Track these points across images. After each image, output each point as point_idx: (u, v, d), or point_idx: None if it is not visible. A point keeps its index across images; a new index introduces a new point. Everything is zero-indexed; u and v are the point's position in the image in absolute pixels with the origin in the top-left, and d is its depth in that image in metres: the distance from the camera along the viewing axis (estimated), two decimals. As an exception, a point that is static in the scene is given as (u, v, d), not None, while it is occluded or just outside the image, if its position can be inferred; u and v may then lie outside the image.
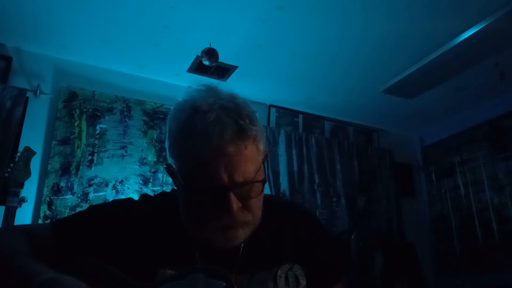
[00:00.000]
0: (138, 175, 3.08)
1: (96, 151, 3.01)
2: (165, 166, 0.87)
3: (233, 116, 0.77)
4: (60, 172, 2.86)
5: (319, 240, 0.95)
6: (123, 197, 1.02)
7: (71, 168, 2.89)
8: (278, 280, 0.85)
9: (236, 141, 0.75)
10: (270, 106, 3.75)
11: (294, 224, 0.94)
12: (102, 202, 0.99)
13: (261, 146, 0.81)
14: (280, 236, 0.91)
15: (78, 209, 2.72)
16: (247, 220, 0.80)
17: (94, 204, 0.95)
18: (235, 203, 0.76)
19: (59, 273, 0.70)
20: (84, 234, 0.85)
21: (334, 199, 3.67)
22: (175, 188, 0.89)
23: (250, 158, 0.78)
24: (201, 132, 0.75)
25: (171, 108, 0.85)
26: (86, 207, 0.94)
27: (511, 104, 3.43)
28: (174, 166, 0.82)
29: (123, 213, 0.88)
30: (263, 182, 0.80)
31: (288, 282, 0.86)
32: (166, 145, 0.84)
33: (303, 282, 0.88)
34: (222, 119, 0.76)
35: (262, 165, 0.82)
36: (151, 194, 0.99)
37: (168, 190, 0.99)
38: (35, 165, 2.60)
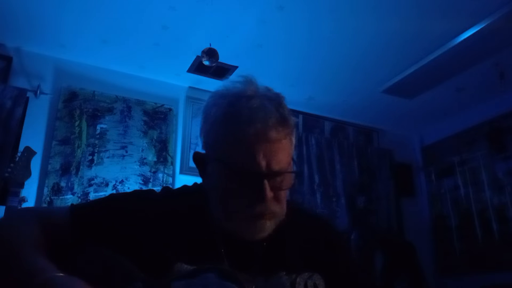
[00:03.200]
0: (138, 175, 3.08)
1: (96, 151, 3.01)
2: (193, 154, 0.88)
3: (275, 104, 0.80)
4: (60, 172, 2.86)
5: (342, 255, 0.95)
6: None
7: (71, 168, 2.89)
8: (297, 287, 0.84)
9: (279, 128, 0.78)
10: (270, 106, 3.75)
11: (318, 235, 0.94)
12: (123, 192, 0.98)
13: (294, 140, 0.84)
14: (303, 243, 0.90)
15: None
16: (276, 211, 0.81)
17: (115, 193, 0.94)
18: (269, 192, 0.78)
19: (59, 273, 0.70)
20: (102, 223, 0.84)
21: (334, 199, 3.67)
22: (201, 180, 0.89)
23: (286, 149, 0.80)
24: (246, 116, 0.77)
25: (208, 97, 0.86)
26: (106, 195, 0.93)
27: (511, 104, 3.43)
28: (209, 153, 0.83)
29: (143, 205, 0.87)
30: (296, 174, 0.84)
31: None
32: (201, 133, 0.85)
33: None
34: (266, 105, 0.79)
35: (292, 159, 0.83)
36: None
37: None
38: (35, 165, 2.61)
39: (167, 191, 0.94)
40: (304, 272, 0.86)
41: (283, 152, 0.79)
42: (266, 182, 0.77)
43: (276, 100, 0.81)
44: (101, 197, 0.92)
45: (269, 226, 0.81)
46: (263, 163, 0.77)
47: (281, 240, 0.86)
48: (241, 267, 0.81)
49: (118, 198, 0.91)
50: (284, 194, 0.83)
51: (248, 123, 0.76)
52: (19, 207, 2.18)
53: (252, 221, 0.79)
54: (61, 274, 0.69)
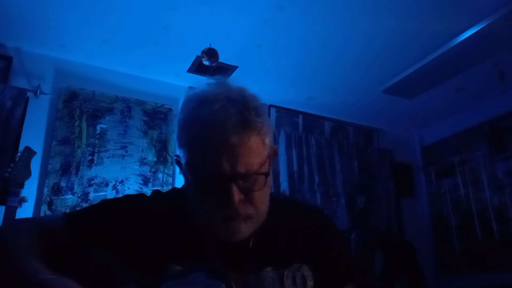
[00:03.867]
0: (138, 175, 3.08)
1: (96, 151, 3.01)
2: (174, 157, 0.89)
3: (239, 107, 0.78)
4: (60, 172, 2.86)
5: (333, 242, 0.95)
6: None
7: (71, 168, 2.89)
8: (285, 280, 0.85)
9: (240, 131, 0.76)
10: (270, 106, 3.76)
11: (307, 225, 0.94)
12: (114, 197, 1.00)
13: (267, 140, 0.81)
14: (292, 236, 0.91)
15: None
16: (249, 213, 0.80)
17: (106, 198, 0.95)
18: (237, 195, 0.77)
19: (52, 274, 0.71)
20: (95, 228, 0.85)
21: (334, 199, 3.67)
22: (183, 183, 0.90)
23: (254, 150, 0.78)
24: (205, 121, 0.77)
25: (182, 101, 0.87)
26: (98, 201, 0.94)
27: (511, 104, 3.43)
28: (181, 156, 0.83)
29: (135, 208, 0.89)
30: (266, 175, 0.80)
31: (295, 282, 0.86)
32: (176, 135, 0.85)
33: (310, 283, 0.87)
34: (227, 109, 0.77)
35: (267, 159, 0.82)
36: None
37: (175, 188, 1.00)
38: (35, 165, 2.61)
39: (157, 194, 0.95)
40: (292, 264, 0.87)
41: (249, 154, 0.77)
42: (233, 185, 0.76)
43: (241, 102, 0.79)
44: (93, 204, 0.93)
45: (244, 228, 0.80)
46: (227, 167, 0.75)
47: (269, 235, 0.86)
48: (231, 265, 0.81)
49: (110, 203, 0.92)
50: (260, 195, 0.81)
51: (208, 127, 0.76)
52: (19, 207, 2.18)
53: (226, 223, 0.79)
54: (53, 276, 0.70)
